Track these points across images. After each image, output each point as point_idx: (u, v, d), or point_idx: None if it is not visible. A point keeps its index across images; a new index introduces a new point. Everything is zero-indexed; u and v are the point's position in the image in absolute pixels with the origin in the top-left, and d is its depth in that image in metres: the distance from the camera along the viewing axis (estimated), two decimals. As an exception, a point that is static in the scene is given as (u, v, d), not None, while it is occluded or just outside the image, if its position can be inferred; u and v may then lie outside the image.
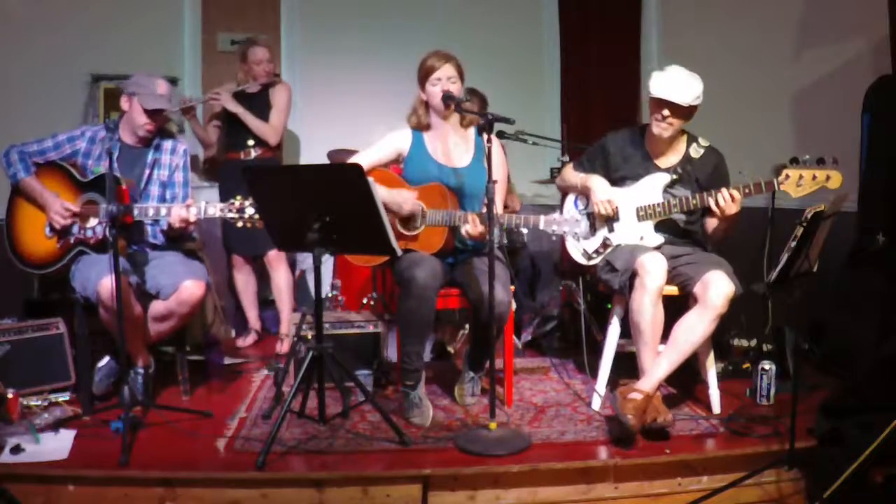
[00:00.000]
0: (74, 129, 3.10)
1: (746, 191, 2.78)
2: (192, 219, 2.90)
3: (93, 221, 3.00)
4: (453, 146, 3.09)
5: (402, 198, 2.98)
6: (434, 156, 3.07)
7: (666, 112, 2.88)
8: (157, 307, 2.93)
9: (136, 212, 2.92)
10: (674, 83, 2.84)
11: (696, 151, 3.01)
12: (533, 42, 4.96)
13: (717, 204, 2.81)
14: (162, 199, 3.11)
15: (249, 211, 2.81)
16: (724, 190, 2.80)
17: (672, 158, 3.03)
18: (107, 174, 2.64)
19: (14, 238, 3.06)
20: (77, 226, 3.00)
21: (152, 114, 3.03)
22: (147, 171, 3.10)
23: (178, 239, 3.14)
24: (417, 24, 4.70)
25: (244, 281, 4.11)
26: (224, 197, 4.00)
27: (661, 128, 2.91)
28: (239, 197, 2.83)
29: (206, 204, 2.90)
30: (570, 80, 4.92)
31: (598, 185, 3.05)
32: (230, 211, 2.83)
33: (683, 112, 2.87)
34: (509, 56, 4.84)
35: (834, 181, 2.69)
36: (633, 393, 2.66)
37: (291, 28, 4.67)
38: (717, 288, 2.70)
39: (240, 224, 2.84)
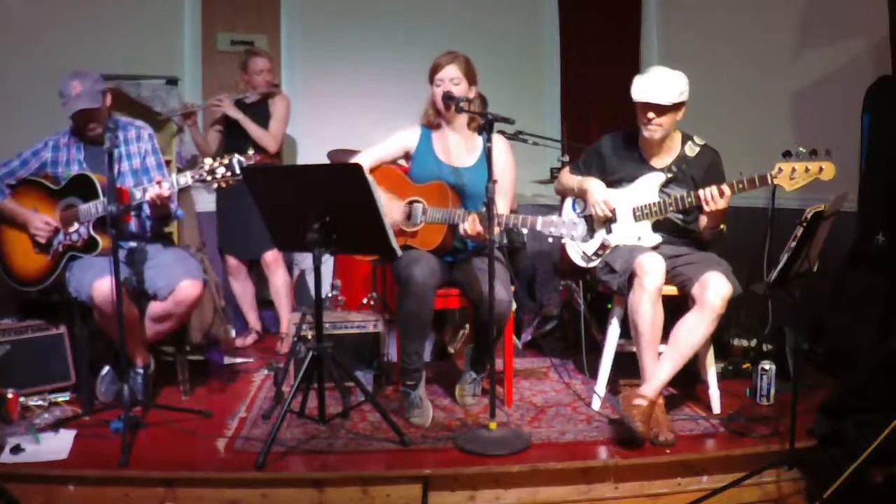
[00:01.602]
0: (37, 143, 3.08)
1: (740, 186, 2.78)
2: (166, 193, 2.86)
3: (75, 225, 2.97)
4: (455, 145, 3.10)
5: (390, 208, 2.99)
6: (437, 153, 3.09)
7: (651, 114, 2.88)
8: (154, 308, 2.92)
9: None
10: (653, 84, 2.84)
11: (691, 150, 3.01)
12: (533, 42, 4.97)
13: (704, 200, 2.81)
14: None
15: (221, 171, 2.79)
16: (713, 187, 2.80)
17: (667, 158, 3.03)
18: (107, 176, 2.63)
19: (6, 263, 3.06)
20: (61, 233, 2.99)
21: (78, 117, 2.97)
22: (117, 166, 3.05)
23: (162, 219, 3.12)
24: (417, 24, 4.70)
25: (241, 286, 4.11)
26: (222, 199, 4.01)
27: (651, 130, 2.92)
28: (208, 160, 2.81)
29: (177, 175, 2.88)
30: (570, 80, 4.92)
31: (595, 186, 3.05)
32: (200, 175, 2.81)
33: (668, 111, 2.87)
34: (509, 56, 4.84)
35: (827, 172, 2.68)
36: (638, 399, 2.66)
37: (291, 28, 4.67)
38: (714, 289, 2.70)
39: (215, 185, 2.82)
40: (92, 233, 2.93)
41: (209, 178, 2.80)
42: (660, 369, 2.73)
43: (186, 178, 2.85)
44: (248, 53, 3.99)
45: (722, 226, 2.97)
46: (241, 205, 3.61)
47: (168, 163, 3.96)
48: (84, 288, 2.82)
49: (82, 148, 3.06)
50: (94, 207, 2.90)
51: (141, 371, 2.98)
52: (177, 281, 2.86)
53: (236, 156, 2.83)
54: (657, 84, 2.84)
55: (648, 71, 2.93)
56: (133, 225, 3.08)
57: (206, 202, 4.33)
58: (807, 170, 2.69)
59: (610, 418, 2.86)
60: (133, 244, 3.08)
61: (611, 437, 2.71)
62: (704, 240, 3.04)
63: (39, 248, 3.01)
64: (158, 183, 2.86)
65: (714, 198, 2.78)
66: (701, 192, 2.82)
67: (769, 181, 2.74)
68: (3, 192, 3.03)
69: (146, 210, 3.03)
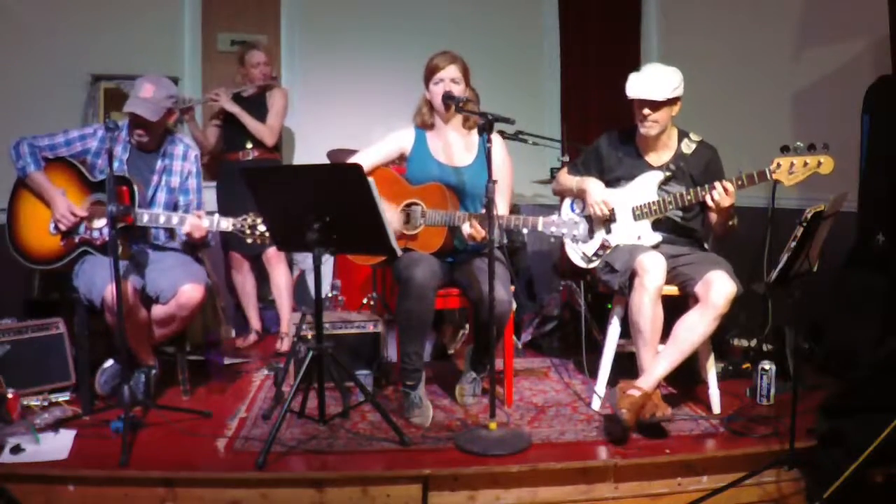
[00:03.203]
0: (87, 127, 3.08)
1: (739, 182, 2.79)
2: (204, 231, 2.90)
3: (99, 222, 2.97)
4: (455, 145, 3.09)
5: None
6: (435, 155, 3.08)
7: (646, 111, 2.89)
8: (157, 311, 2.93)
9: (146, 217, 2.90)
10: (647, 81, 2.85)
11: (688, 147, 3.01)
12: (533, 42, 4.97)
13: (712, 199, 2.81)
14: (168, 206, 3.09)
15: (261, 228, 2.83)
16: (717, 183, 2.80)
17: (664, 155, 3.03)
18: (107, 175, 2.63)
19: (16, 232, 3.00)
20: (84, 226, 2.98)
21: (133, 118, 2.97)
22: (155, 178, 3.08)
23: (196, 247, 3.13)
24: (417, 24, 4.70)
25: (243, 281, 4.12)
26: (221, 195, 4.02)
27: (647, 127, 2.92)
28: (251, 214, 2.85)
29: (219, 217, 2.91)
30: (570, 80, 4.92)
31: (593, 187, 3.05)
32: (242, 226, 2.85)
33: (663, 106, 2.87)
34: (509, 56, 4.84)
35: (826, 166, 2.68)
36: (633, 390, 2.67)
37: (291, 28, 4.67)
38: (718, 288, 2.70)
39: (249, 240, 2.87)
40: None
41: (248, 231, 2.85)
42: (657, 364, 2.73)
43: (227, 224, 2.88)
44: (246, 47, 4.02)
45: (732, 221, 2.96)
46: (244, 200, 3.62)
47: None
48: (96, 289, 2.81)
49: (128, 148, 3.06)
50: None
51: (144, 371, 2.98)
52: (179, 284, 2.86)
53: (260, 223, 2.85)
54: (650, 81, 2.85)
55: (642, 68, 2.93)
56: (150, 234, 3.09)
57: (207, 202, 4.33)
58: (805, 164, 2.70)
59: (605, 415, 2.86)
60: (138, 247, 3.08)
61: (602, 432, 2.72)
62: (717, 236, 3.04)
63: (56, 231, 2.98)
64: (199, 217, 2.89)
65: (722, 196, 2.78)
66: (705, 193, 2.82)
67: (768, 176, 2.75)
68: (38, 164, 2.97)
69: (180, 235, 3.01)
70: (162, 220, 2.93)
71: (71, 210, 2.94)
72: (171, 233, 3.12)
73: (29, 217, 3.01)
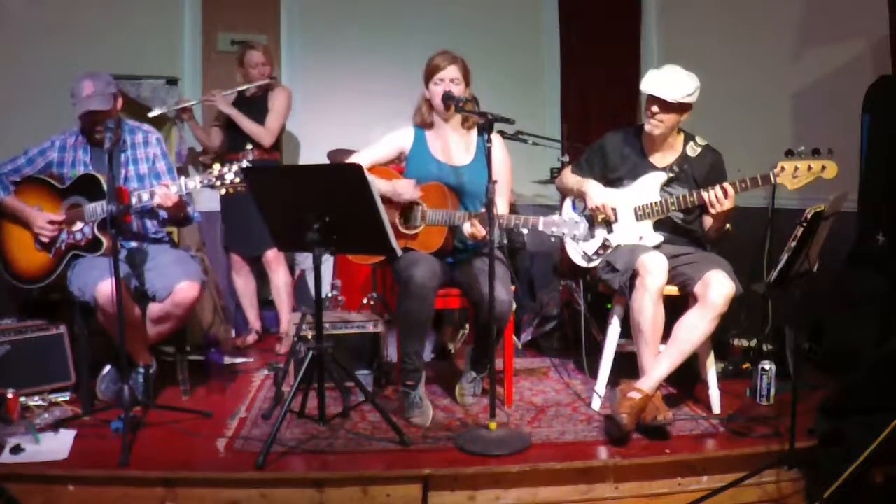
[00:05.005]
0: (44, 142, 3.07)
1: (743, 185, 2.78)
2: (175, 198, 2.85)
3: (79, 224, 2.97)
4: (454, 145, 3.09)
5: (401, 187, 3.00)
6: (434, 154, 3.08)
7: (655, 108, 2.88)
8: (153, 309, 2.92)
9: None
10: (663, 80, 2.85)
11: (693, 150, 3.01)
12: (533, 42, 4.96)
13: (709, 200, 2.81)
14: None
15: (229, 176, 2.78)
16: (718, 185, 2.80)
17: (669, 157, 3.03)
18: (107, 175, 2.62)
19: (7, 259, 3.04)
20: (65, 232, 2.98)
21: (87, 118, 2.94)
22: (122, 171, 3.06)
23: (180, 222, 3.12)
24: (417, 24, 4.70)
25: (243, 282, 4.13)
26: (225, 198, 4.02)
27: (652, 125, 2.92)
28: (216, 165, 2.81)
29: (185, 179, 2.87)
30: (570, 81, 4.92)
31: (594, 190, 3.05)
32: (209, 180, 2.80)
33: (673, 109, 2.87)
34: (509, 56, 4.84)
35: (829, 171, 2.69)
36: (633, 392, 2.67)
37: (291, 28, 4.67)
38: (717, 288, 2.70)
39: (223, 191, 2.82)
40: (96, 233, 2.92)
41: (217, 182, 2.79)
42: (658, 365, 2.73)
43: (195, 183, 2.84)
44: (245, 47, 4.02)
45: (728, 225, 2.96)
46: (245, 202, 3.62)
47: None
48: (88, 289, 2.81)
49: (89, 150, 3.05)
50: (100, 207, 2.89)
51: (142, 371, 2.97)
52: (175, 282, 2.85)
53: (245, 162, 2.83)
54: (666, 80, 2.84)
55: (665, 67, 2.92)
56: (135, 225, 3.07)
57: (206, 201, 4.34)
58: (809, 168, 2.70)
59: (605, 415, 2.86)
60: (134, 245, 3.07)
61: (602, 433, 2.72)
62: (711, 240, 3.04)
63: (41, 246, 3.00)
64: (167, 186, 2.86)
65: (719, 199, 2.78)
66: (705, 193, 2.82)
67: (772, 180, 2.75)
68: (7, 189, 3.00)
69: (163, 214, 3.00)
70: (133, 200, 2.90)
71: (48, 219, 2.95)
72: (157, 218, 3.10)
73: (14, 242, 3.04)
